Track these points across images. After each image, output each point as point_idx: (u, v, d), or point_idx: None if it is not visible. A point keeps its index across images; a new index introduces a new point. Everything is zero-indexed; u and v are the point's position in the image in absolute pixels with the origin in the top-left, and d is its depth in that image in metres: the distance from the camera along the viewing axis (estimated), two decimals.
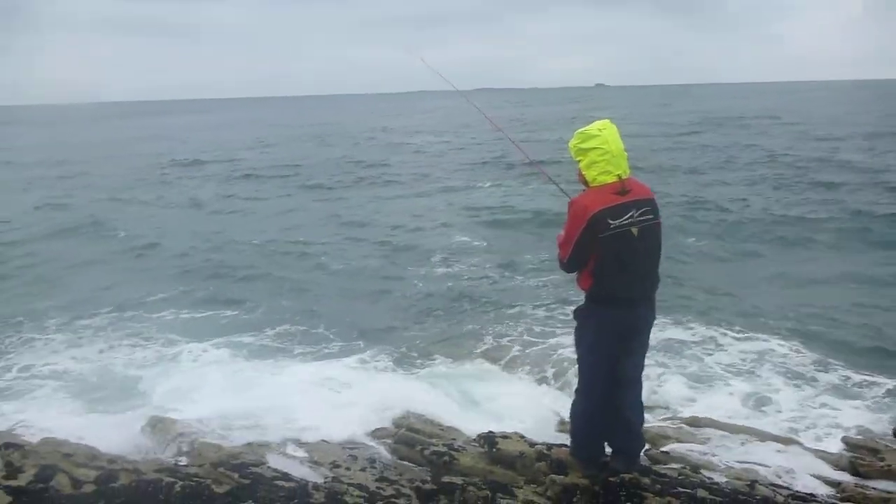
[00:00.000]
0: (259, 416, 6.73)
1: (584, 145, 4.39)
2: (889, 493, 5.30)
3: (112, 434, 6.23)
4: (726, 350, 8.96)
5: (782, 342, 9.13)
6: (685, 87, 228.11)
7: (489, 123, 5.80)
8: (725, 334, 9.48)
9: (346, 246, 15.94)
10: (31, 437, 5.86)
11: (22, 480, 4.66)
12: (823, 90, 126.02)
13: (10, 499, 4.40)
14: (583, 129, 4.46)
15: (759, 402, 7.57)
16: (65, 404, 7.66)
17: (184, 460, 5.62)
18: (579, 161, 4.44)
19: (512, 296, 11.67)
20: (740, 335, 9.44)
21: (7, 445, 5.20)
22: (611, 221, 4.25)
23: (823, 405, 7.46)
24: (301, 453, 5.82)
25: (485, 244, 15.58)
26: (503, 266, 13.56)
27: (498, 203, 20.29)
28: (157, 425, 6.29)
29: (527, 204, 19.72)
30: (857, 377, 8.09)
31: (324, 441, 6.20)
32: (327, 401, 7.38)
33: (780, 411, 7.33)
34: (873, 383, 7.92)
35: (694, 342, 9.24)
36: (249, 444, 5.88)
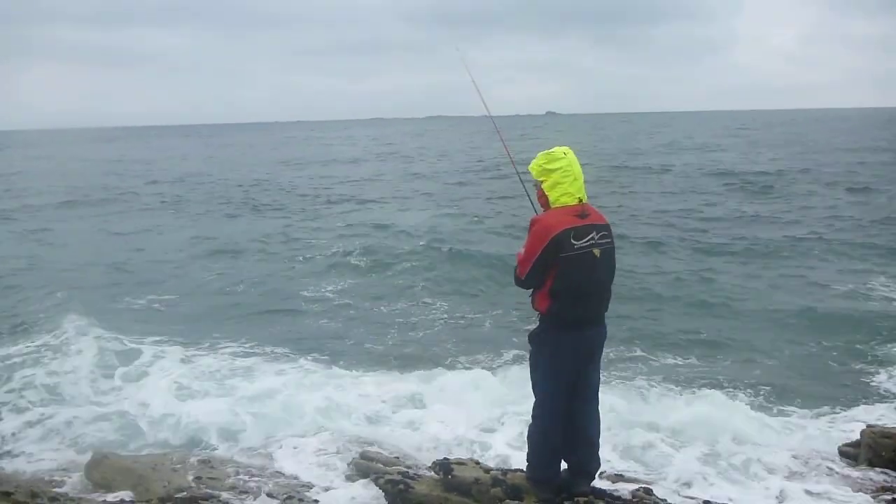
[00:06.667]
0: (201, 443, 6.58)
1: (549, 166, 4.48)
2: None
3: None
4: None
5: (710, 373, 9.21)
6: (628, 116, 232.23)
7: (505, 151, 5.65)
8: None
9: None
10: None
11: None
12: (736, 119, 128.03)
13: None
14: (547, 151, 4.56)
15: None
16: None
17: (130, 495, 5.46)
18: (542, 181, 4.50)
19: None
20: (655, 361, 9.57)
21: None
22: (574, 242, 4.35)
23: (767, 423, 7.53)
24: (254, 485, 5.70)
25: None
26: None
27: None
28: (103, 461, 6.09)
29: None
30: (800, 396, 8.21)
31: (277, 472, 6.09)
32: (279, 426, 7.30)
33: (723, 431, 7.34)
34: (816, 402, 8.07)
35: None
36: (199, 478, 5.74)
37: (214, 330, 11.00)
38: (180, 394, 8.29)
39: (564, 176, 4.45)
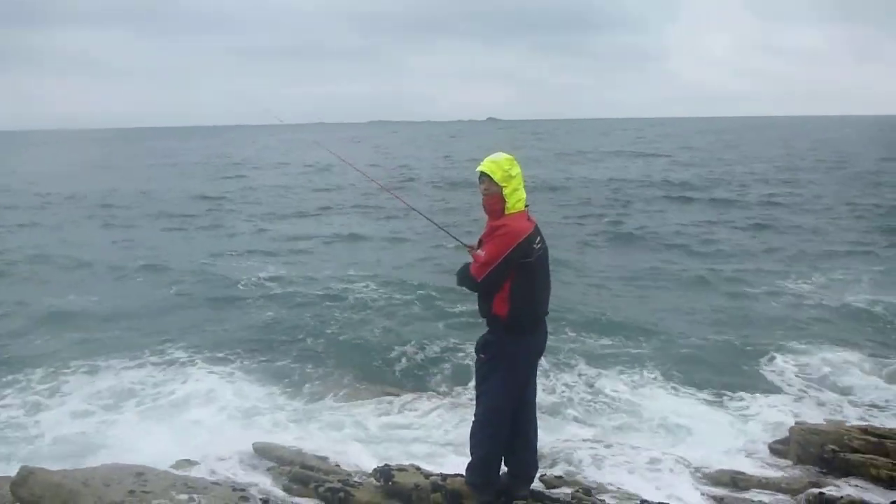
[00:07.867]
0: (133, 457, 6.43)
1: (512, 172, 4.43)
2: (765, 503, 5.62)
3: None
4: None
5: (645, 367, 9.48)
6: (565, 122, 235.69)
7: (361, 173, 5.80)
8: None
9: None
10: None
11: None
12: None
13: None
14: (506, 156, 4.48)
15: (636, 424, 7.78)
16: None
17: None
18: (504, 187, 4.40)
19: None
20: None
21: None
22: (535, 246, 4.41)
23: (698, 422, 7.75)
24: (190, 498, 5.56)
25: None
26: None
27: None
28: (30, 477, 5.85)
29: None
30: (724, 395, 8.44)
31: (214, 483, 5.96)
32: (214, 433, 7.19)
33: (657, 432, 7.55)
34: (739, 400, 8.32)
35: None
36: (132, 493, 5.57)
37: (136, 341, 10.80)
38: (105, 408, 8.17)
39: (520, 182, 4.47)
